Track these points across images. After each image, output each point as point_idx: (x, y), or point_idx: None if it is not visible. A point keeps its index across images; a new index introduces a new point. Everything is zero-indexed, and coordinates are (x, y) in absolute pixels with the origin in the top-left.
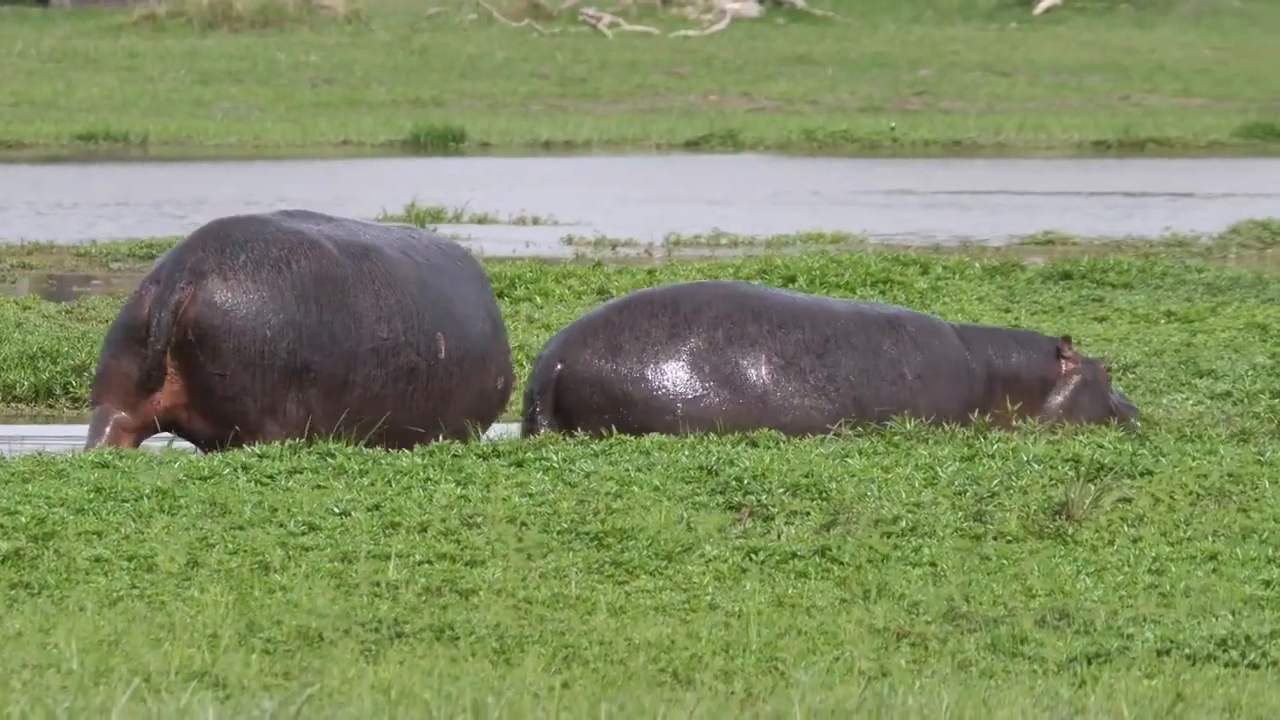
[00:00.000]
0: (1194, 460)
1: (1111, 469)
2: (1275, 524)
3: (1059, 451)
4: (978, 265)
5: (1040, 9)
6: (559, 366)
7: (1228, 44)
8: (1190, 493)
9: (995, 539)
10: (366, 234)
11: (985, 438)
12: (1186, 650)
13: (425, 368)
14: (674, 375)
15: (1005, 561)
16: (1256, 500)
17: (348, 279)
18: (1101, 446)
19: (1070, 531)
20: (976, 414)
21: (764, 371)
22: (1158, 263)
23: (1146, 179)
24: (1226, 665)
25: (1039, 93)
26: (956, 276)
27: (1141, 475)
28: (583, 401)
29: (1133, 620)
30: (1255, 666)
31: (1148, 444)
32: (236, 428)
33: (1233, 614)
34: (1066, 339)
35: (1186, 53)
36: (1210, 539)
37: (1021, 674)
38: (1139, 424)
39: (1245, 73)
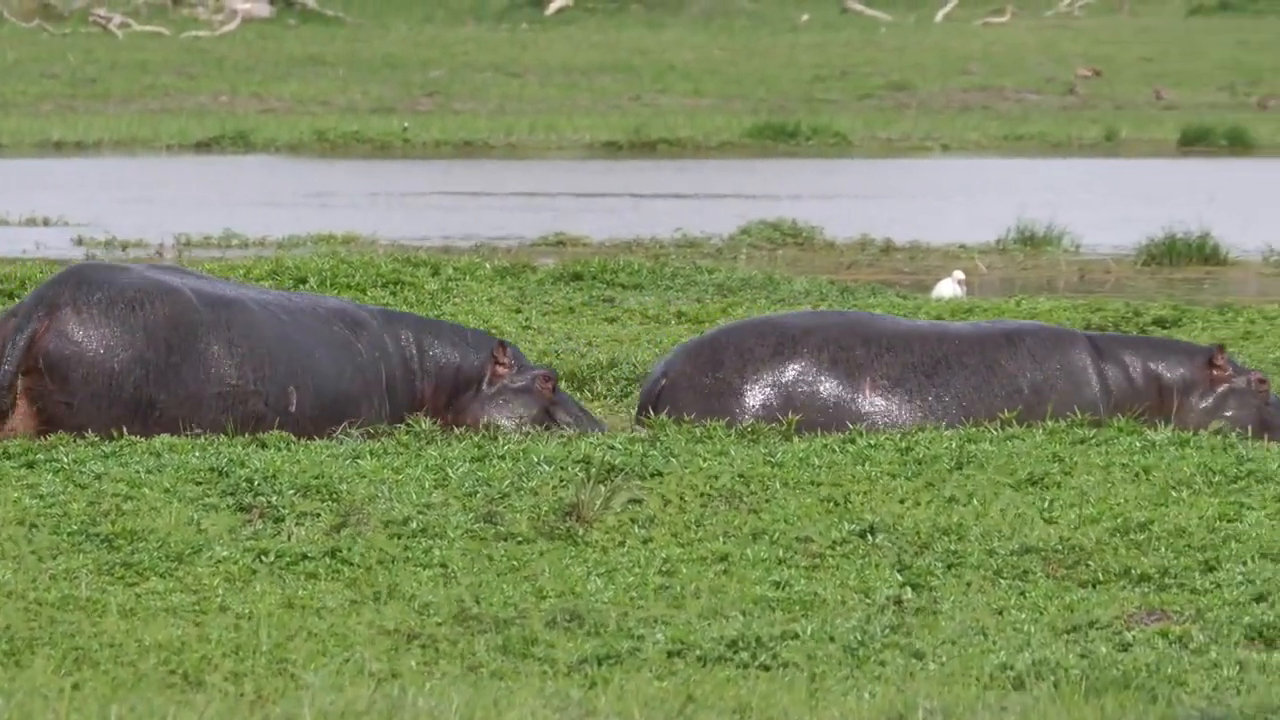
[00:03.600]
0: (705, 461)
1: (622, 470)
2: (785, 525)
3: (569, 453)
4: (488, 266)
5: (551, 9)
6: (663, 381)
7: (738, 45)
8: (701, 494)
9: (505, 540)
10: (236, 290)
11: (497, 439)
12: (697, 651)
13: (273, 418)
14: (771, 391)
15: (516, 563)
16: (767, 501)
17: (201, 324)
18: (612, 448)
19: (581, 533)
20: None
21: (868, 392)
22: (668, 263)
23: (657, 180)
24: (737, 666)
25: (550, 93)
26: (467, 278)
27: (652, 476)
28: (679, 412)
29: (643, 621)
30: (766, 668)
31: (659, 445)
32: None
33: (743, 615)
34: (1221, 348)
35: (697, 53)
36: (721, 540)
37: (532, 675)
38: None
39: (755, 73)
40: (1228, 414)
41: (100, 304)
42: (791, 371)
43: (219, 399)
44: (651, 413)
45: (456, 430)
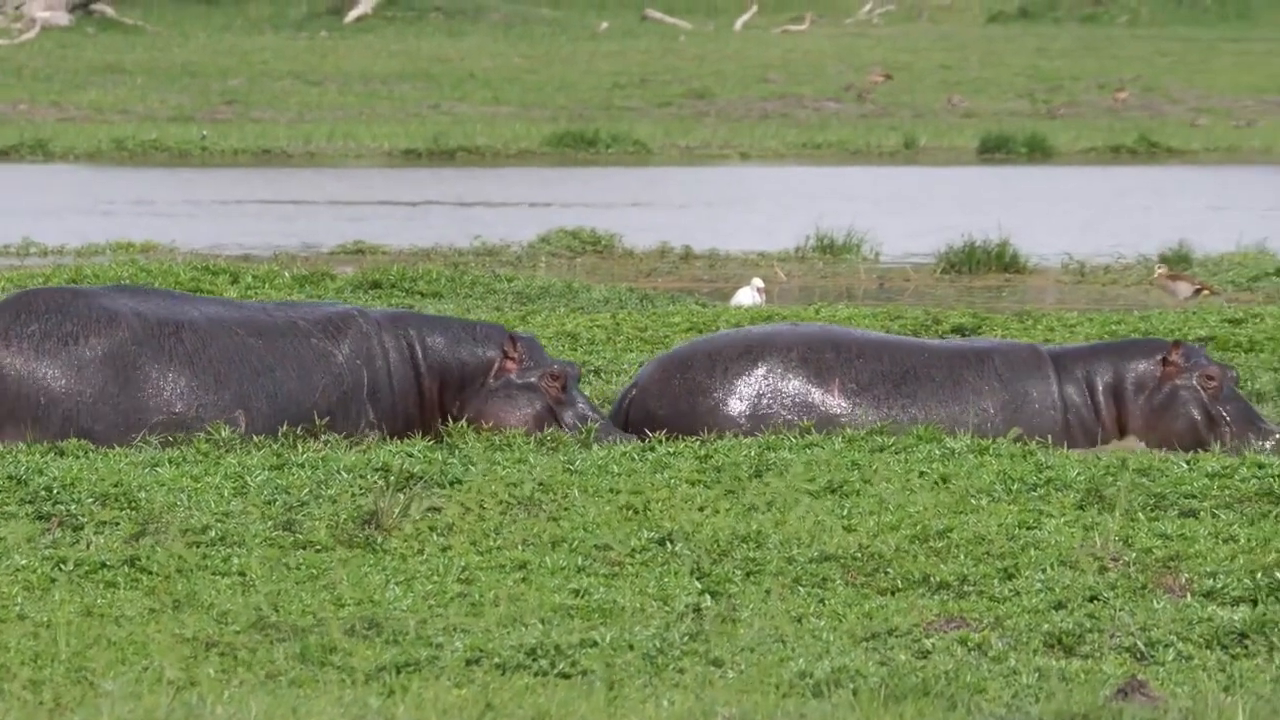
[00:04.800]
0: (505, 469)
1: (421, 478)
2: (585, 533)
3: (369, 460)
4: (287, 274)
5: (350, 18)
6: (634, 391)
7: (537, 52)
8: (500, 501)
9: (304, 548)
10: (196, 310)
11: (296, 447)
12: (496, 659)
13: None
14: (739, 392)
15: (314, 571)
16: (566, 509)
17: (141, 356)
18: (411, 455)
19: (380, 540)
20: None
21: (836, 395)
22: (467, 272)
23: (457, 188)
24: (536, 674)
25: (349, 101)
26: (266, 285)
27: (451, 484)
28: (649, 415)
29: (442, 629)
30: (565, 676)
31: (458, 453)
32: None
33: (542, 623)
34: (1178, 343)
35: (497, 61)
36: (520, 548)
37: (331, 683)
38: (1263, 443)
39: (555, 81)
40: (1172, 410)
41: (33, 337)
42: (760, 370)
43: (160, 428)
44: (617, 422)
45: (459, 425)
